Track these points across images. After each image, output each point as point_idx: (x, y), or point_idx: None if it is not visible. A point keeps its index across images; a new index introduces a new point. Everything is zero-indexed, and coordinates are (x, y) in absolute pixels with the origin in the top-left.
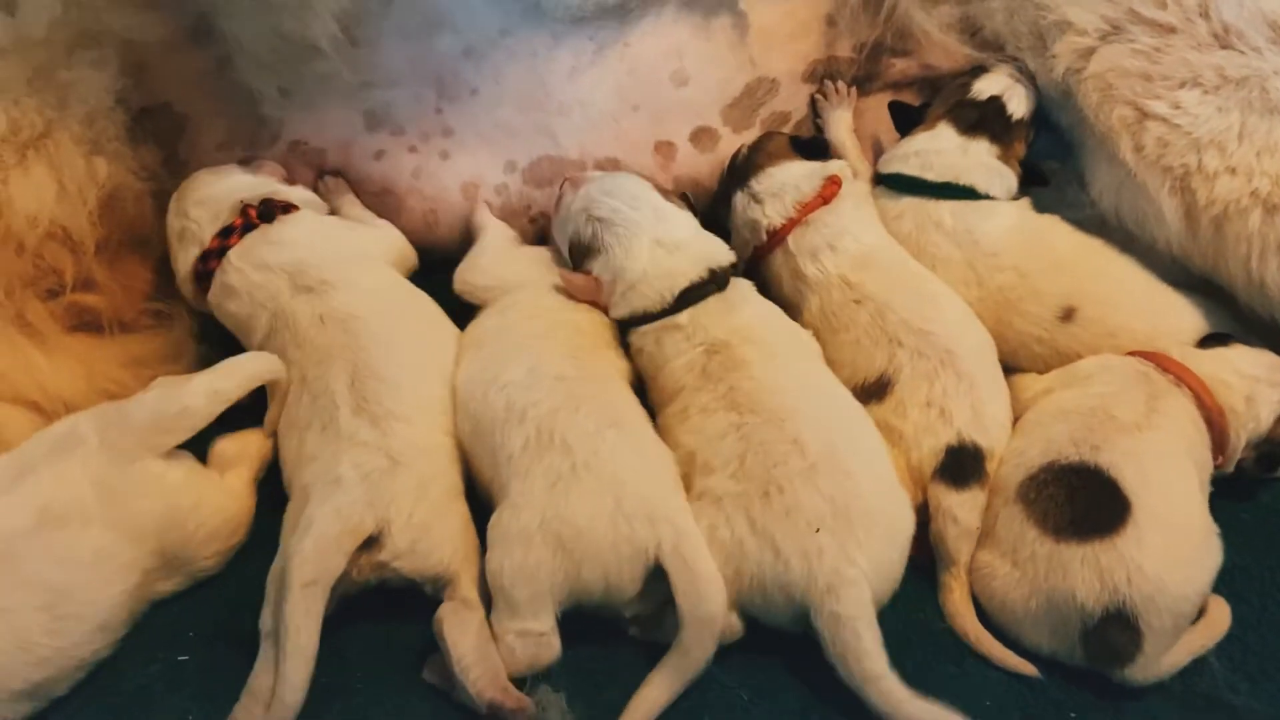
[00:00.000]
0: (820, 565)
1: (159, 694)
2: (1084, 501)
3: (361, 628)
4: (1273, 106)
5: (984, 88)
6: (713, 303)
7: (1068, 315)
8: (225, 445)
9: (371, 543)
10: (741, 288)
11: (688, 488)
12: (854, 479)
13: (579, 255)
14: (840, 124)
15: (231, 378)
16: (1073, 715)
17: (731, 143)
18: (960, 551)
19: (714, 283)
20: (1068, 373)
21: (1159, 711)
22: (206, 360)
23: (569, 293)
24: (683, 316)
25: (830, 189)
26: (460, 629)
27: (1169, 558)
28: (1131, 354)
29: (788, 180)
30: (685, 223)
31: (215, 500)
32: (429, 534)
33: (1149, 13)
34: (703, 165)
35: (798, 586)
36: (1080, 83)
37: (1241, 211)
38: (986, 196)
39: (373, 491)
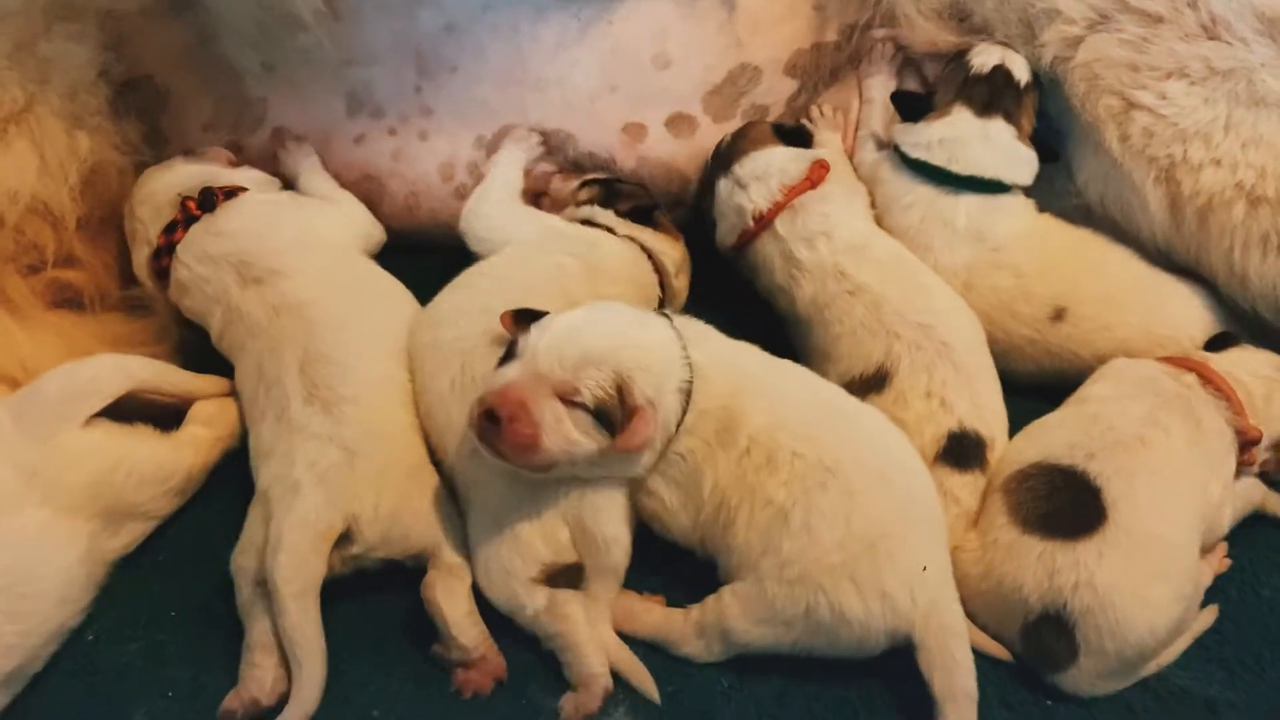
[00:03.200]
0: (923, 592)
1: (139, 671)
2: (1060, 501)
3: (342, 611)
4: (1259, 98)
5: (985, 60)
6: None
7: (1059, 315)
8: (203, 407)
9: (342, 538)
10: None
11: (768, 551)
12: (925, 491)
13: (612, 415)
14: (831, 146)
15: (145, 367)
16: (1048, 703)
17: (711, 132)
18: (955, 532)
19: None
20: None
21: (1134, 701)
22: (188, 344)
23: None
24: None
25: (818, 172)
26: (450, 597)
27: (1124, 582)
28: (1160, 359)
29: (772, 164)
30: (624, 308)
31: (142, 451)
32: (398, 521)
33: (1137, 2)
34: (679, 151)
35: (904, 620)
36: (1068, 72)
37: (1226, 203)
38: (1012, 187)
39: (332, 490)
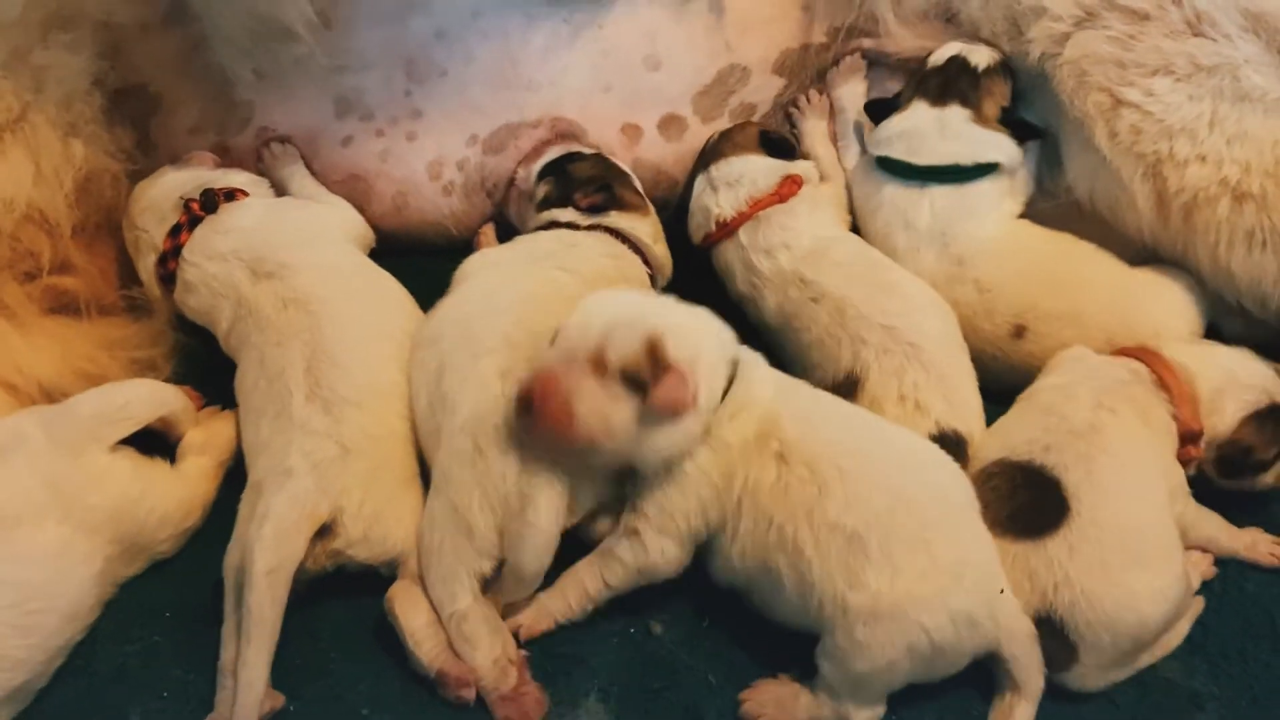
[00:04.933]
0: (1004, 612)
1: (134, 672)
2: (1023, 499)
3: (333, 608)
4: (1243, 94)
5: (941, 54)
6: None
7: (1019, 332)
8: (194, 435)
9: (325, 531)
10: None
11: (854, 586)
12: (973, 497)
13: (642, 377)
14: (815, 134)
15: (176, 397)
16: None
17: (699, 133)
18: None
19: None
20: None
21: (1117, 694)
22: (184, 347)
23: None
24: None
25: (788, 188)
26: (412, 607)
27: (1101, 574)
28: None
29: (746, 173)
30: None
31: (164, 487)
32: (380, 521)
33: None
34: (668, 154)
35: (989, 641)
36: (1056, 69)
37: (1210, 199)
38: (977, 170)
39: (324, 480)
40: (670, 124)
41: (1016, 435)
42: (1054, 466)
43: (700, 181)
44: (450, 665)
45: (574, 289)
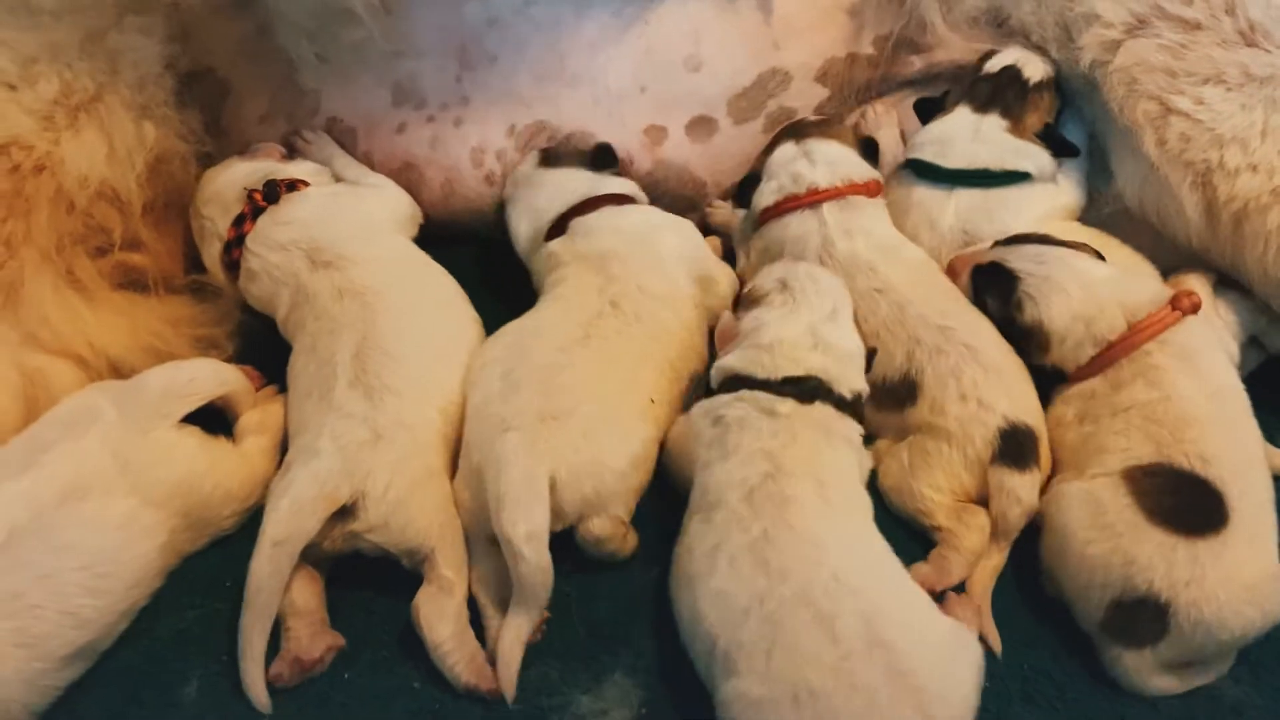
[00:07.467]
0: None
1: (195, 636)
2: (1186, 499)
3: (389, 580)
4: None
5: (997, 61)
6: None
7: None
8: (249, 416)
9: (345, 513)
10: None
11: None
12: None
13: (744, 302)
14: (890, 139)
15: (238, 377)
16: (1071, 697)
17: (730, 135)
18: (1017, 529)
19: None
20: None
21: (1158, 698)
22: (249, 327)
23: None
24: (784, 405)
25: (875, 186)
26: (437, 616)
27: (1236, 583)
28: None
29: (847, 159)
30: (847, 333)
31: (228, 464)
32: (403, 509)
33: (1175, 9)
34: (692, 155)
35: None
36: (1106, 76)
37: (1261, 209)
38: (1005, 176)
39: (349, 462)
40: (699, 125)
41: (1167, 441)
42: (1216, 480)
43: (790, 149)
44: (480, 679)
45: None
